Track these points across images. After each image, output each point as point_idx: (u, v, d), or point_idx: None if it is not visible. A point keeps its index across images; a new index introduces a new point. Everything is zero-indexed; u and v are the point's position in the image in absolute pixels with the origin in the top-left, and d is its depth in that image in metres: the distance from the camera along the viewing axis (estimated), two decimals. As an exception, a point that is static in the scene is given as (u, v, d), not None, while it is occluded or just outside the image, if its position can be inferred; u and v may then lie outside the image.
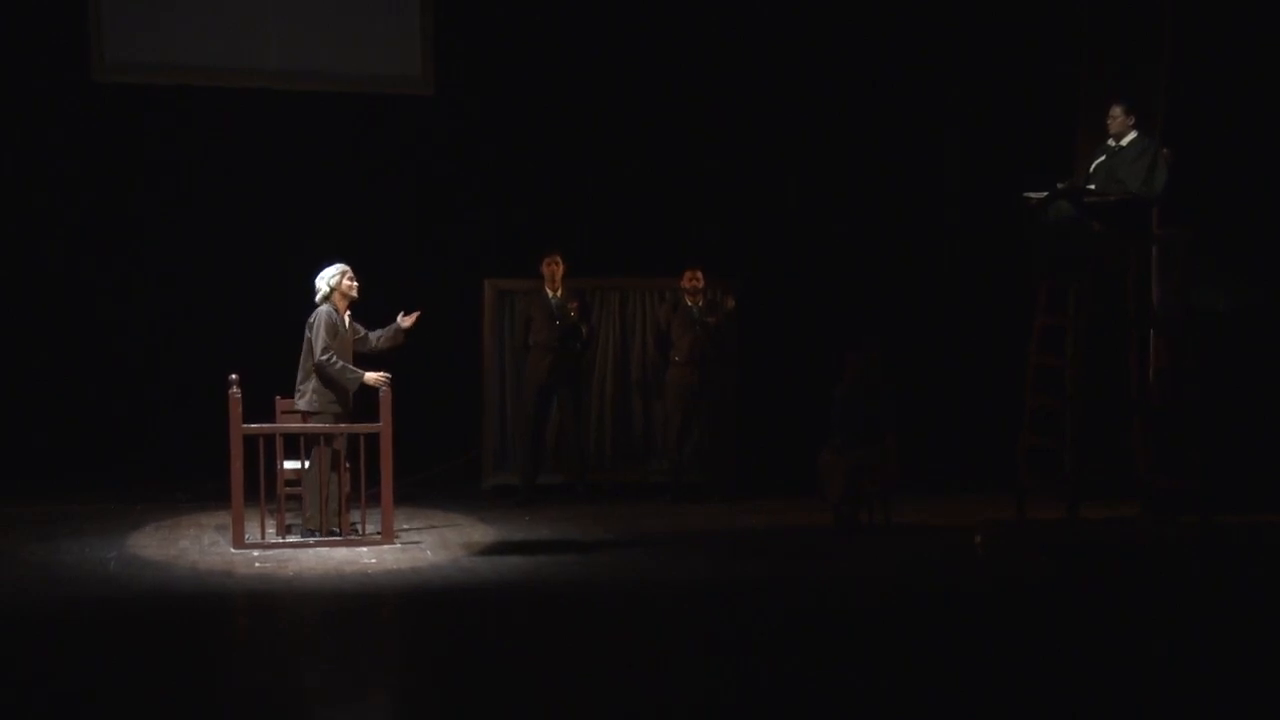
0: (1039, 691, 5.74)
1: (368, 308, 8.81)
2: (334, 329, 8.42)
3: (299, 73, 11.01)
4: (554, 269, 10.15)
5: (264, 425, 8.47)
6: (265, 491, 8.35)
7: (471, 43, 11.26)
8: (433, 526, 9.11)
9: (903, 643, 6.53)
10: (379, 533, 8.48)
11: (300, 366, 8.51)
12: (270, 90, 10.96)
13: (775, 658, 6.24)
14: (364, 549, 8.31)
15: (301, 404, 8.50)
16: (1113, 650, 6.33)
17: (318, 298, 8.51)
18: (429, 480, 10.42)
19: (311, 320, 8.45)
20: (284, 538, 8.45)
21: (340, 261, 8.60)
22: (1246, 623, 6.88)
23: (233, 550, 8.20)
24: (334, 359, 8.37)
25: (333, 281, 8.50)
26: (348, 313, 8.60)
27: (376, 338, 8.74)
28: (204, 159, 10.92)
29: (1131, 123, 9.29)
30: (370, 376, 8.45)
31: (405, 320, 8.77)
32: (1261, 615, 7.04)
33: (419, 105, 11.27)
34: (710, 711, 5.60)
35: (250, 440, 8.30)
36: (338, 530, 8.50)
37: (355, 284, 8.57)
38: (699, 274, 10.25)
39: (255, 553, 8.18)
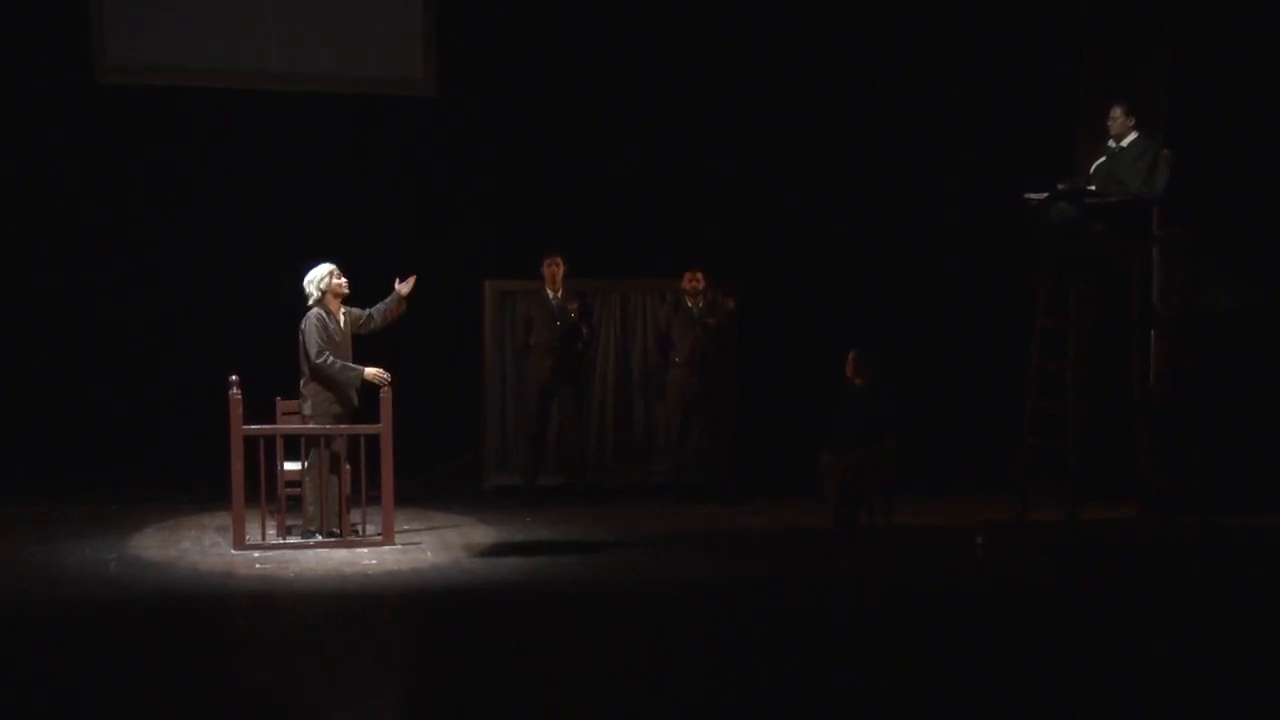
0: (1039, 692, 5.75)
1: (368, 305, 8.80)
2: (325, 330, 8.39)
3: (300, 74, 11.02)
4: (555, 270, 10.15)
5: (264, 426, 8.48)
6: (266, 492, 8.35)
7: (472, 44, 11.27)
8: (433, 527, 9.11)
9: (902, 643, 6.53)
10: (380, 534, 8.48)
11: (300, 371, 8.51)
12: (271, 91, 10.97)
13: (775, 658, 6.25)
14: (364, 550, 8.32)
15: (305, 408, 8.51)
16: (1113, 651, 6.34)
17: (310, 301, 8.49)
18: (430, 481, 10.42)
19: (302, 325, 8.43)
20: (285, 539, 8.45)
21: (325, 261, 8.54)
22: (1246, 623, 6.89)
23: (233, 551, 8.21)
24: (330, 360, 8.36)
25: (323, 285, 8.46)
26: (341, 310, 8.57)
27: (379, 313, 8.69)
28: (205, 160, 10.93)
29: (1132, 123, 9.30)
30: (370, 372, 8.44)
31: (403, 286, 8.70)
32: (1261, 616, 7.05)
33: (420, 106, 11.27)
34: (710, 711, 5.61)
35: (251, 441, 8.30)
36: (338, 531, 8.51)
37: (344, 281, 8.53)
38: (699, 275, 10.25)
39: (256, 554, 8.18)
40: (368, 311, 8.71)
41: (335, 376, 8.38)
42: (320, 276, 8.48)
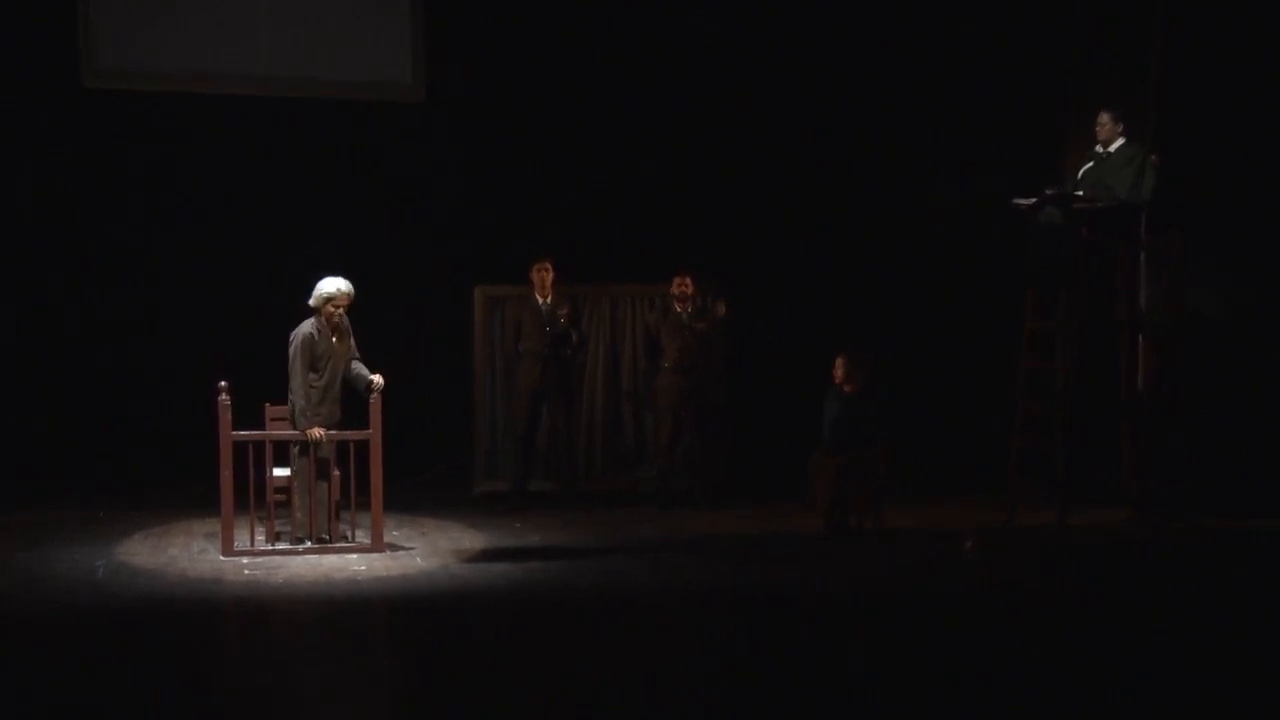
0: (1028, 695, 5.75)
1: (358, 311, 8.78)
2: (312, 350, 8.34)
3: (287, 79, 11.01)
4: (544, 275, 10.14)
5: (253, 432, 8.45)
6: (255, 498, 8.33)
7: (461, 50, 11.27)
8: (423, 533, 9.10)
9: (892, 647, 6.53)
10: (369, 539, 8.47)
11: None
12: (259, 97, 10.96)
13: (764, 663, 6.25)
14: (354, 556, 8.31)
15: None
16: (1102, 654, 6.35)
17: (310, 302, 8.45)
18: (419, 486, 10.41)
19: (291, 338, 8.39)
20: (273, 545, 8.44)
21: (341, 276, 8.40)
22: (1235, 626, 6.90)
23: (222, 557, 8.19)
24: (294, 391, 8.31)
25: (318, 301, 8.37)
26: (340, 321, 8.50)
27: (354, 374, 8.53)
28: (192, 165, 10.92)
29: (1120, 130, 9.34)
30: (313, 433, 8.30)
31: (374, 386, 8.45)
32: (1250, 618, 7.06)
33: (408, 112, 11.27)
34: (700, 716, 5.61)
35: (240, 447, 8.28)
36: (328, 537, 8.49)
37: (341, 310, 8.40)
38: (688, 280, 10.25)
39: (245, 560, 8.16)
40: (354, 357, 8.55)
41: (294, 410, 8.35)
42: (324, 294, 8.36)
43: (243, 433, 8.31)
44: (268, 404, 8.86)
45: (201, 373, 9.00)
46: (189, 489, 9.84)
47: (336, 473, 8.57)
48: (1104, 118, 9.37)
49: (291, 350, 8.37)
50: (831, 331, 10.51)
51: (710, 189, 11.52)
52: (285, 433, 8.50)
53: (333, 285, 8.40)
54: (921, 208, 11.66)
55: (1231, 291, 10.19)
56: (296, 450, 8.40)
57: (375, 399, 8.41)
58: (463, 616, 7.10)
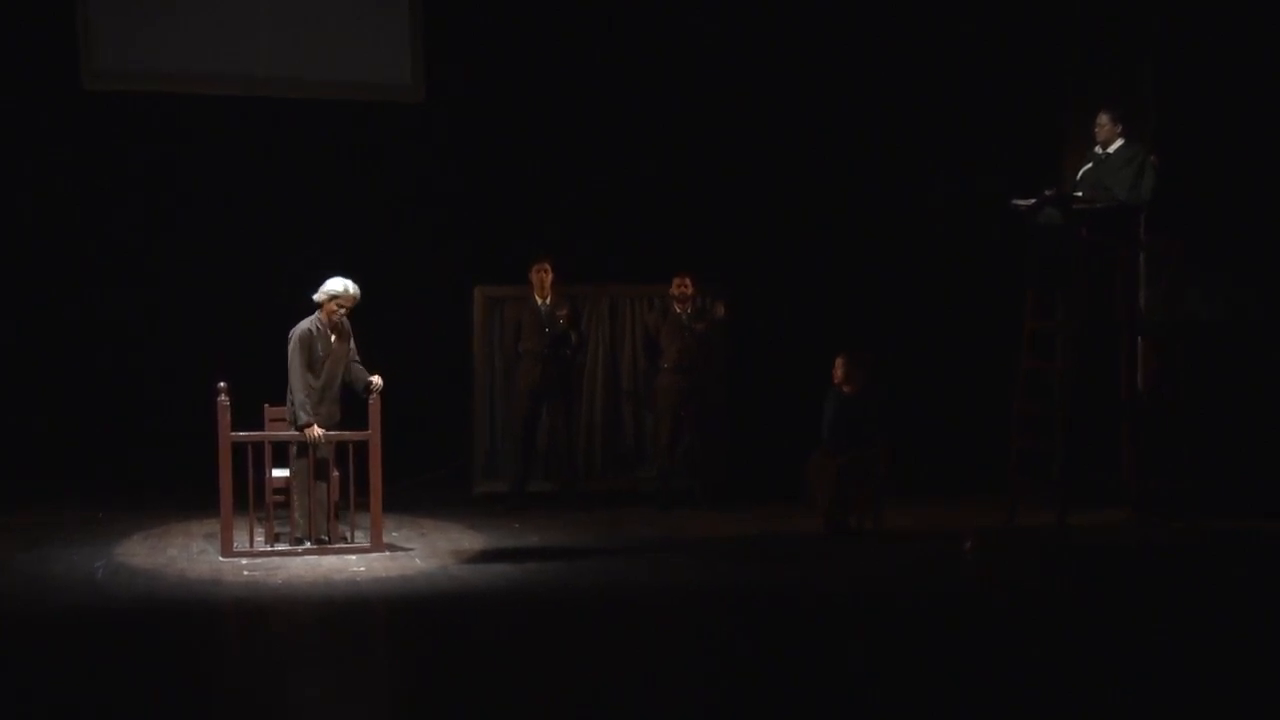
0: (1029, 696, 5.75)
1: (359, 311, 8.77)
2: (308, 351, 8.32)
3: (288, 80, 11.00)
4: (543, 276, 10.13)
5: (252, 433, 8.44)
6: (254, 499, 8.32)
7: (461, 50, 11.26)
8: (422, 534, 9.10)
9: (892, 648, 6.53)
10: (368, 540, 8.46)
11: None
12: (259, 98, 10.96)
13: (764, 663, 6.25)
14: (353, 557, 8.30)
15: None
16: (1101, 654, 6.34)
17: (316, 295, 8.42)
18: (418, 487, 10.40)
19: (290, 335, 8.37)
20: (273, 546, 8.43)
21: (348, 280, 8.37)
22: (1235, 626, 6.90)
23: (221, 559, 8.18)
24: (294, 389, 8.31)
25: (323, 297, 8.37)
26: (340, 322, 8.49)
27: (352, 376, 8.54)
28: (194, 166, 10.92)
29: (1119, 130, 9.34)
30: (311, 433, 8.30)
31: (373, 387, 8.48)
32: (1250, 619, 7.06)
33: (408, 112, 11.27)
34: (699, 716, 5.60)
35: (239, 448, 8.27)
36: (327, 538, 8.49)
37: (343, 312, 8.42)
38: (687, 280, 10.25)
39: (244, 561, 8.15)
40: (354, 359, 8.53)
41: (292, 407, 8.34)
42: (331, 292, 8.34)
43: (242, 433, 8.31)
44: (267, 405, 8.85)
45: (201, 373, 8.99)
46: (183, 494, 9.80)
47: (336, 473, 8.56)
48: (1103, 119, 9.37)
49: (290, 348, 8.36)
50: (831, 331, 10.51)
51: (710, 189, 11.52)
52: (284, 433, 8.48)
53: (341, 285, 8.39)
54: (921, 208, 11.65)
55: (1230, 292, 10.20)
56: (295, 451, 8.40)
57: (374, 400, 8.41)
58: (462, 617, 7.10)
